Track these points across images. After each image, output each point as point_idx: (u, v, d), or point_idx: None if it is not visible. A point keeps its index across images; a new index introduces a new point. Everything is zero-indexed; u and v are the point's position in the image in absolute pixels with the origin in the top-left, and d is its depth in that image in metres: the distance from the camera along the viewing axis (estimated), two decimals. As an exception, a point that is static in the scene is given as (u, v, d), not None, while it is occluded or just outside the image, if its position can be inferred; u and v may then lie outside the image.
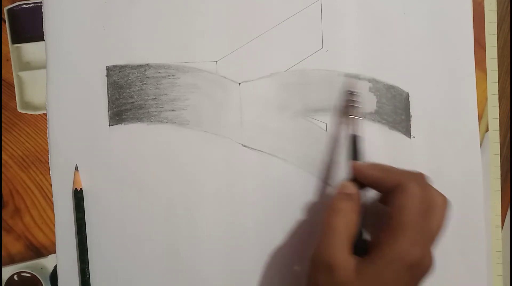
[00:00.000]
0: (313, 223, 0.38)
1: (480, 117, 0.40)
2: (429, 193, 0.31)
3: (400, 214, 0.30)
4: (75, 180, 0.37)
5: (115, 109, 0.38)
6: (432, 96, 0.39)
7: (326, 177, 0.38)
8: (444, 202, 0.31)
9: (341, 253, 0.30)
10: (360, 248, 0.31)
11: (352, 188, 0.33)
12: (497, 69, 0.40)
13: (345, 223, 0.31)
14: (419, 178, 0.32)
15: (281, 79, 0.39)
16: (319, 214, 0.38)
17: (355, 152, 0.35)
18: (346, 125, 0.38)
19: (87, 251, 0.37)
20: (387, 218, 0.30)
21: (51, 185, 0.38)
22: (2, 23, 0.38)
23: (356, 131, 0.36)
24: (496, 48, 0.40)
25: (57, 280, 0.38)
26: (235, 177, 0.38)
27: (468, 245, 0.39)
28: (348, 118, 0.37)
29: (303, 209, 0.38)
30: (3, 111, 0.38)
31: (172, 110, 0.38)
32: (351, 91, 0.37)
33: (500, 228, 0.40)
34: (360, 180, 0.33)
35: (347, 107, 0.37)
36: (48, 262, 0.38)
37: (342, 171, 0.38)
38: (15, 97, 0.38)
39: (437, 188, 0.39)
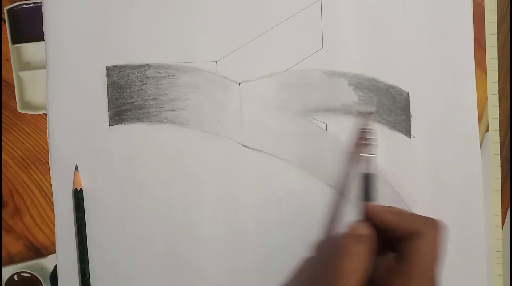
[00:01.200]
0: (314, 223, 0.38)
1: (480, 117, 0.40)
2: (442, 241, 0.31)
3: (415, 261, 0.29)
4: (75, 180, 0.37)
5: (115, 109, 0.38)
6: (432, 96, 0.39)
7: (329, 180, 0.38)
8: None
9: None
10: None
11: (364, 229, 0.31)
12: (497, 69, 0.40)
13: (358, 267, 0.29)
14: (435, 225, 0.31)
15: (281, 79, 0.39)
16: (319, 215, 0.38)
17: (367, 192, 0.34)
18: (358, 162, 0.37)
19: (87, 251, 0.37)
20: (400, 262, 0.30)
21: (51, 185, 0.38)
22: (2, 23, 0.38)
23: (369, 169, 0.35)
24: (496, 48, 0.40)
25: (57, 280, 0.38)
26: (235, 177, 0.38)
27: (468, 245, 0.39)
28: (360, 155, 0.36)
29: (303, 209, 0.38)
30: (3, 111, 0.38)
31: (172, 110, 0.38)
32: (364, 129, 0.37)
33: (500, 228, 0.40)
34: (373, 222, 0.32)
35: (360, 145, 0.37)
36: (48, 262, 0.38)
37: (344, 173, 0.38)
38: (15, 97, 0.38)
39: (437, 189, 0.39)
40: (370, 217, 0.32)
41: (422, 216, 0.32)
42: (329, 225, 0.38)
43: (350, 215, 0.38)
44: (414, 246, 0.30)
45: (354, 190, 0.38)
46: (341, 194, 0.38)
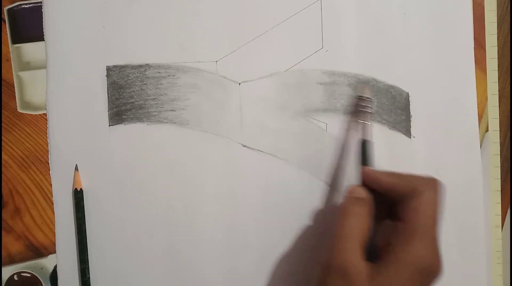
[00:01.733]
0: (314, 223, 0.38)
1: (480, 117, 0.40)
2: (441, 199, 0.31)
3: (415, 219, 0.30)
4: (75, 180, 0.37)
5: (115, 109, 0.38)
6: (432, 96, 0.39)
7: (329, 180, 0.38)
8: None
9: (354, 258, 0.29)
10: (371, 253, 0.31)
11: (363, 193, 0.32)
12: (497, 69, 0.40)
13: (358, 228, 0.30)
14: (433, 184, 0.31)
15: (281, 79, 0.39)
16: (319, 215, 0.38)
17: (365, 157, 0.35)
18: (355, 130, 0.38)
19: (87, 251, 0.37)
20: (399, 222, 0.30)
21: (51, 185, 0.38)
22: (2, 23, 0.38)
23: (366, 136, 0.35)
24: (496, 48, 0.40)
25: (57, 280, 0.38)
26: (235, 177, 0.38)
27: (468, 245, 0.39)
28: (357, 123, 0.37)
29: (303, 209, 0.38)
30: (3, 111, 0.38)
31: (172, 110, 0.38)
32: (361, 96, 0.37)
33: (500, 228, 0.40)
34: (371, 186, 0.33)
35: (357, 112, 0.37)
36: (48, 262, 0.38)
37: (344, 173, 0.38)
38: (15, 97, 0.38)
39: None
40: (368, 181, 0.33)
41: (419, 175, 0.32)
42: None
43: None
44: (413, 205, 0.30)
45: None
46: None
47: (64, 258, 0.37)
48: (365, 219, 0.31)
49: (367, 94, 0.37)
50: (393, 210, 0.32)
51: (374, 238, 0.32)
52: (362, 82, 0.39)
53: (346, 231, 0.30)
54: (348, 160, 0.38)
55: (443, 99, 0.40)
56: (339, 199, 0.38)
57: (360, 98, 0.37)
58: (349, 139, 0.38)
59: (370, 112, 0.37)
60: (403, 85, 0.39)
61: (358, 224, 0.31)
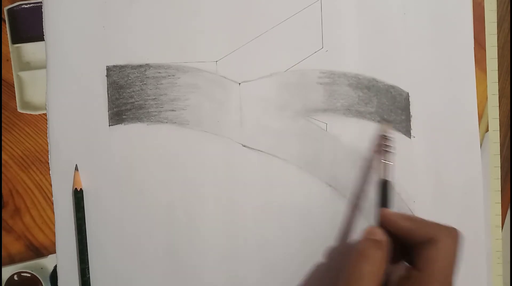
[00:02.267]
0: (314, 223, 0.38)
1: (480, 117, 0.40)
2: (458, 249, 0.31)
3: (430, 269, 0.29)
4: (75, 180, 0.37)
5: (115, 109, 0.38)
6: (432, 96, 0.39)
7: (329, 180, 0.38)
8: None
9: None
10: None
11: (381, 235, 0.31)
12: (497, 69, 0.40)
13: (374, 272, 0.30)
14: (451, 233, 0.31)
15: (281, 79, 0.39)
16: (319, 215, 0.38)
17: (384, 198, 0.34)
18: (375, 169, 0.37)
19: (87, 251, 0.37)
20: (414, 270, 0.30)
21: (51, 185, 0.38)
22: (2, 23, 0.38)
23: (387, 176, 0.35)
24: (496, 48, 0.40)
25: (57, 280, 0.38)
26: (235, 177, 0.38)
27: (468, 245, 0.39)
28: (379, 162, 0.36)
29: (303, 209, 0.38)
30: (3, 111, 0.38)
31: (172, 110, 0.38)
32: (384, 136, 0.37)
33: (500, 228, 0.40)
34: (389, 229, 0.32)
35: (380, 151, 0.37)
36: (48, 262, 0.38)
37: (347, 174, 0.38)
38: (15, 97, 0.38)
39: (437, 189, 0.39)
40: (386, 223, 0.32)
41: (438, 223, 0.31)
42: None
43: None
44: (429, 253, 0.30)
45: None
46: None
47: (64, 258, 0.37)
48: (382, 263, 0.30)
49: (389, 133, 0.37)
50: (410, 254, 0.31)
51: (388, 282, 0.31)
52: (385, 120, 0.38)
53: (361, 275, 0.29)
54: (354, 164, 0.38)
55: (443, 99, 0.40)
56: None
57: (383, 137, 0.37)
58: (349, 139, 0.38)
59: (392, 152, 0.36)
60: (403, 85, 0.39)
61: (374, 269, 0.30)
